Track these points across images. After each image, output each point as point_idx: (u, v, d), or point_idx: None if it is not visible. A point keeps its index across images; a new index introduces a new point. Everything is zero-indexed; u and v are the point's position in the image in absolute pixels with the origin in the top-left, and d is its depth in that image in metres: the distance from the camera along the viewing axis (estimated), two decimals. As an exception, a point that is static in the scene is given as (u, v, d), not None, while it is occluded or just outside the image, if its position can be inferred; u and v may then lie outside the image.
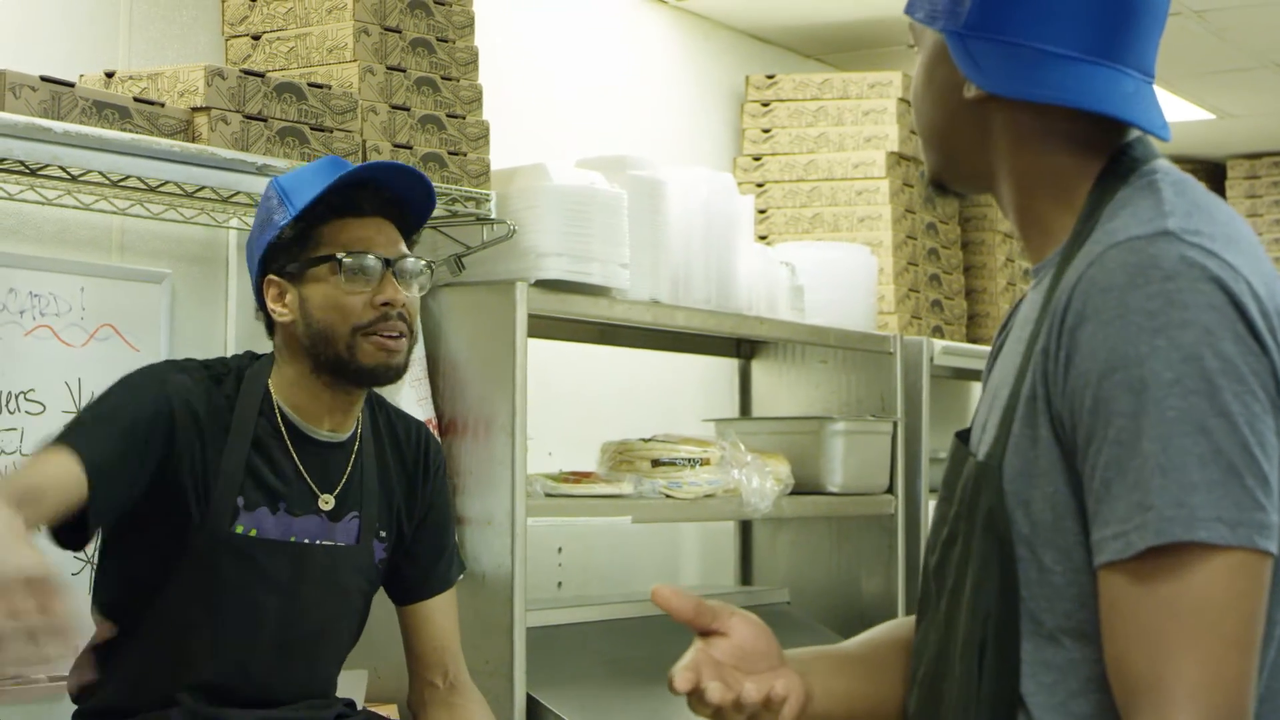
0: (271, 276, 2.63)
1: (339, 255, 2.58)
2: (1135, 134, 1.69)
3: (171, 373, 2.56)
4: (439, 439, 2.87)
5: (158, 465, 2.47)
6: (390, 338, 2.59)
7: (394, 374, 2.63)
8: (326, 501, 2.62)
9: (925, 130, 1.77)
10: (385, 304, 2.58)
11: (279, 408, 2.62)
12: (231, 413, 2.57)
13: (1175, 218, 1.56)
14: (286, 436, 2.61)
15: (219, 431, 2.55)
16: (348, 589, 2.65)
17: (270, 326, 2.67)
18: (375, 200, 2.64)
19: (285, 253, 2.61)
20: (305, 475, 2.61)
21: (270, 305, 2.64)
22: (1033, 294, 1.71)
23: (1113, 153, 1.68)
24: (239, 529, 2.53)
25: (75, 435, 2.40)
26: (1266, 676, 1.54)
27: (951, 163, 1.76)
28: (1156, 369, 1.48)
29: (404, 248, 2.66)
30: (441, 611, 2.83)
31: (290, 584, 2.57)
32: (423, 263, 2.68)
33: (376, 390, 2.75)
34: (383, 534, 2.70)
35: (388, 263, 2.60)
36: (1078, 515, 1.56)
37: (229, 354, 3.03)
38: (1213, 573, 1.46)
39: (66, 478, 2.31)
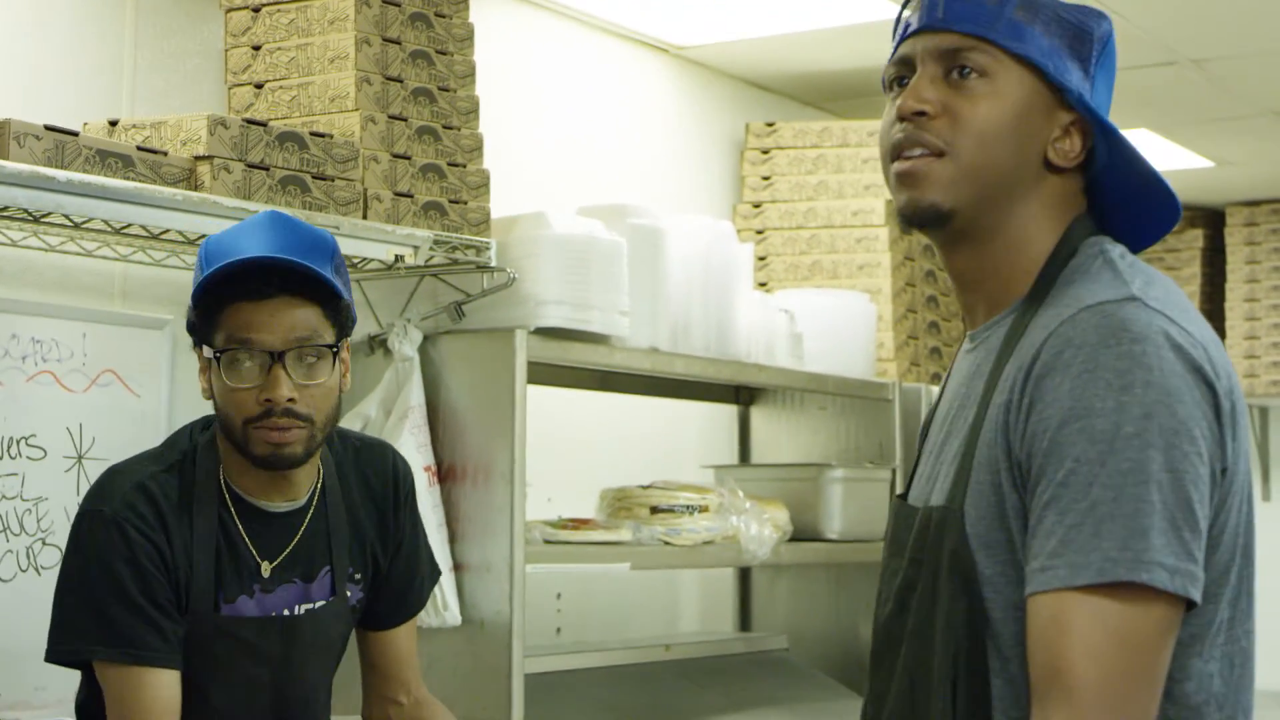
0: (195, 350, 2.50)
1: (216, 352, 2.41)
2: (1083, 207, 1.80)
3: (121, 512, 2.44)
4: (405, 460, 2.75)
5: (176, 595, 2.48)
6: (278, 430, 2.42)
7: (289, 462, 2.46)
8: (290, 570, 2.56)
9: (984, 169, 1.74)
10: (267, 401, 2.40)
11: (230, 488, 2.52)
12: (192, 506, 2.48)
13: (1136, 285, 1.67)
14: (239, 518, 2.52)
15: (185, 528, 2.46)
16: (332, 641, 2.64)
17: None
18: (277, 279, 2.40)
19: (194, 331, 2.47)
20: (267, 551, 2.54)
21: (199, 378, 2.51)
22: (971, 355, 1.79)
23: (1069, 224, 1.78)
24: (225, 616, 2.50)
25: (130, 646, 2.41)
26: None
27: (984, 206, 1.75)
28: (1119, 422, 1.58)
29: (307, 329, 2.42)
30: (407, 631, 2.78)
31: (282, 655, 2.54)
32: (323, 351, 2.44)
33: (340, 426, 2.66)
34: (357, 576, 2.64)
35: (274, 355, 2.41)
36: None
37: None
38: (1143, 613, 1.56)
39: (175, 691, 2.44)
